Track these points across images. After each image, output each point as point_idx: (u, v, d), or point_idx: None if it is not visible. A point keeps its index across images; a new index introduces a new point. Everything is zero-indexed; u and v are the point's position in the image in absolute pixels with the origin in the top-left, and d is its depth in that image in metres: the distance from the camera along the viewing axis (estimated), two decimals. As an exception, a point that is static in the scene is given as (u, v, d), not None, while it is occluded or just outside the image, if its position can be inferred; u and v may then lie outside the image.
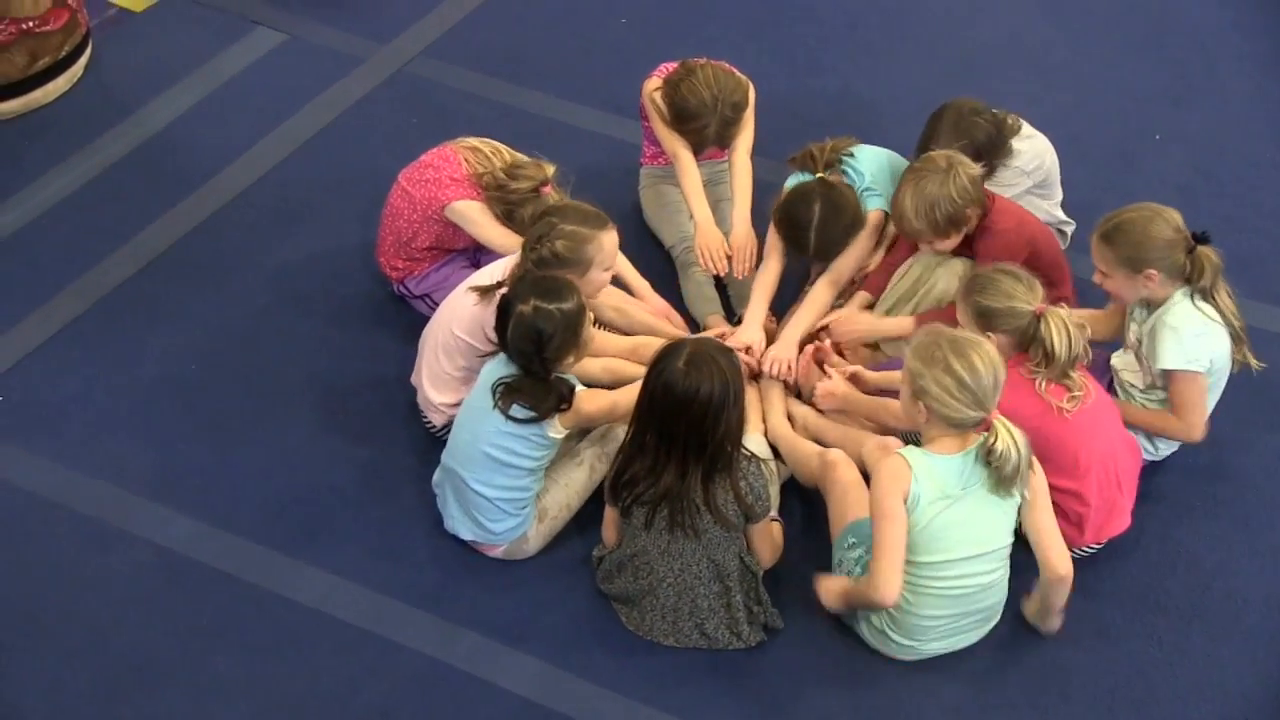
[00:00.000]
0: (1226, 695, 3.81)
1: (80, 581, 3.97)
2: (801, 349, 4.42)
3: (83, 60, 5.54)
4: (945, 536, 3.60)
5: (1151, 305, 4.07)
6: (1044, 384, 3.83)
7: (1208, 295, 4.03)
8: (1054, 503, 3.89)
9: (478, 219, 4.38)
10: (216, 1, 5.94)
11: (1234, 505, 4.24)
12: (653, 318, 4.43)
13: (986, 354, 3.58)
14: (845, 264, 4.51)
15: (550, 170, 4.33)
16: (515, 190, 4.31)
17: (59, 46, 5.38)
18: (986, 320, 3.85)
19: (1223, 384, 4.14)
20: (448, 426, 4.19)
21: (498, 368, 3.87)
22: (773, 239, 4.57)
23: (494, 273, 4.11)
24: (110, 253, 4.87)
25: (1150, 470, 4.17)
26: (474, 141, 4.47)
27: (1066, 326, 3.80)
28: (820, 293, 4.51)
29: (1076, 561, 3.98)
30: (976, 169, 4.24)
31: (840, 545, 3.87)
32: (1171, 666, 3.86)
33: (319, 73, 5.63)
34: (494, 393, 3.81)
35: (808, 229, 4.39)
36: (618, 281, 4.41)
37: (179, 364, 4.55)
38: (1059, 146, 4.76)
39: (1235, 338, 4.09)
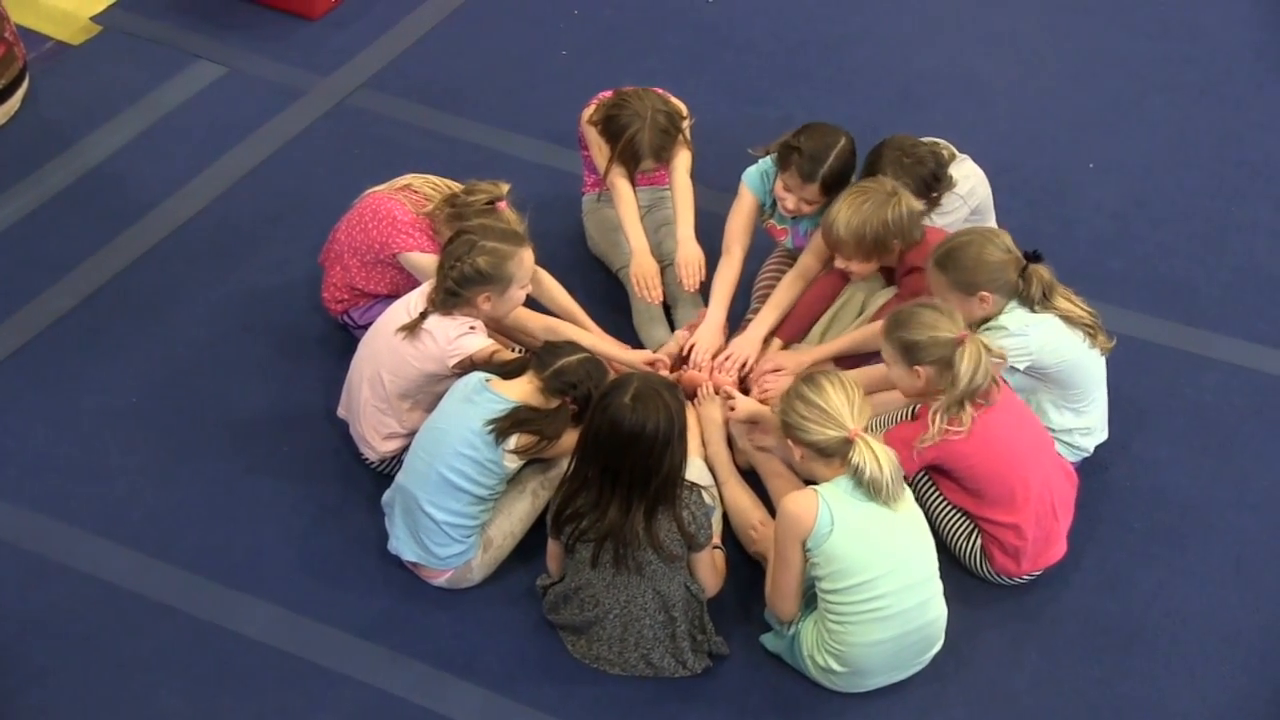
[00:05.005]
0: (1166, 713, 3.86)
1: (22, 617, 3.94)
2: (766, 343, 4.50)
3: (19, 94, 5.52)
4: (863, 556, 3.62)
5: (985, 321, 4.13)
6: (940, 417, 3.84)
7: (1040, 305, 4.08)
8: (991, 535, 3.98)
9: (430, 270, 4.35)
10: (155, 35, 5.94)
11: (1171, 528, 4.30)
12: (594, 336, 4.44)
13: (838, 379, 3.66)
14: (813, 261, 4.54)
15: (505, 188, 4.35)
16: (471, 204, 4.32)
17: (-6, 81, 5.30)
18: (911, 354, 3.86)
19: (1080, 375, 4.17)
20: (385, 461, 4.23)
21: (480, 397, 3.90)
22: (731, 237, 4.61)
23: (410, 305, 4.14)
24: (50, 286, 4.85)
25: (1089, 494, 4.22)
26: (404, 181, 4.50)
27: (980, 356, 3.81)
28: (789, 286, 4.55)
29: (1017, 586, 4.08)
30: (918, 205, 4.29)
31: None
32: (1112, 686, 3.90)
33: (260, 105, 5.63)
34: (495, 425, 3.83)
35: (830, 150, 4.38)
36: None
37: (120, 397, 4.53)
38: (996, 174, 4.80)
39: (1088, 332, 4.13)
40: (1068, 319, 4.10)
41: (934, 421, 3.84)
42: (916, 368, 3.87)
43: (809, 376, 3.68)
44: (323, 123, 5.56)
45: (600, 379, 3.95)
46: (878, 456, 3.60)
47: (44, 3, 6.02)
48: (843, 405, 3.61)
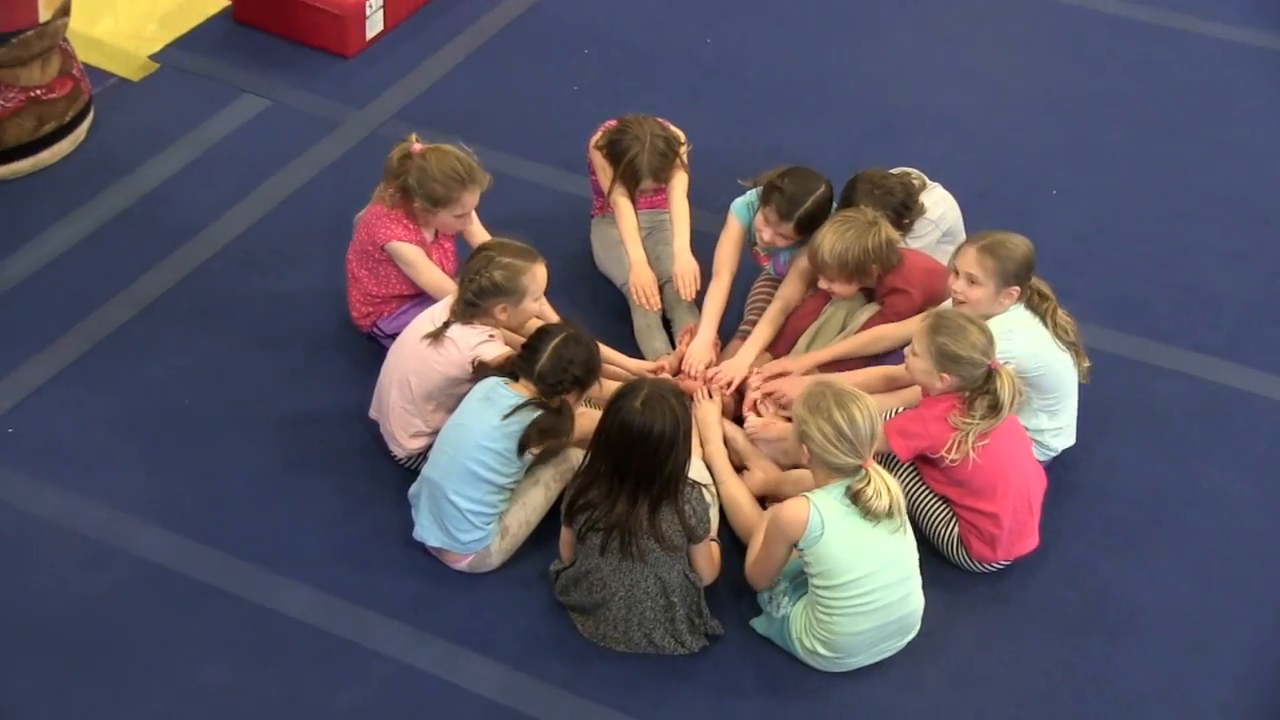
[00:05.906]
0: (1122, 691, 4.05)
1: (80, 597, 4.09)
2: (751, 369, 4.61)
3: (85, 124, 5.62)
4: (851, 557, 3.76)
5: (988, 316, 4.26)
6: (972, 437, 4.01)
7: (1038, 313, 4.30)
8: (972, 524, 4.16)
9: (414, 260, 4.54)
10: (206, 71, 6.03)
11: (1125, 523, 4.48)
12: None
13: (866, 407, 3.76)
14: (793, 290, 4.71)
15: (413, 136, 4.53)
16: (392, 159, 4.48)
17: (64, 112, 5.48)
18: (945, 362, 3.98)
19: (1056, 380, 4.32)
20: (411, 457, 4.38)
21: (497, 394, 4.05)
22: (720, 262, 4.75)
23: (435, 315, 4.27)
24: (109, 298, 4.97)
25: (1055, 492, 4.37)
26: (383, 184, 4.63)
27: (1014, 383, 4.00)
28: (775, 314, 4.69)
29: (988, 575, 4.27)
30: (896, 235, 4.45)
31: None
32: (1072, 666, 4.08)
33: (300, 135, 5.73)
34: (521, 438, 3.99)
35: (808, 195, 4.54)
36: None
37: (173, 398, 4.67)
38: (968, 201, 4.93)
39: (1073, 351, 4.33)
40: (1060, 337, 4.32)
41: (967, 441, 3.99)
42: (944, 374, 4.01)
43: (839, 397, 3.74)
44: (356, 151, 5.68)
45: (578, 354, 4.03)
46: (888, 488, 3.74)
47: (107, 43, 6.10)
48: (867, 436, 3.72)
